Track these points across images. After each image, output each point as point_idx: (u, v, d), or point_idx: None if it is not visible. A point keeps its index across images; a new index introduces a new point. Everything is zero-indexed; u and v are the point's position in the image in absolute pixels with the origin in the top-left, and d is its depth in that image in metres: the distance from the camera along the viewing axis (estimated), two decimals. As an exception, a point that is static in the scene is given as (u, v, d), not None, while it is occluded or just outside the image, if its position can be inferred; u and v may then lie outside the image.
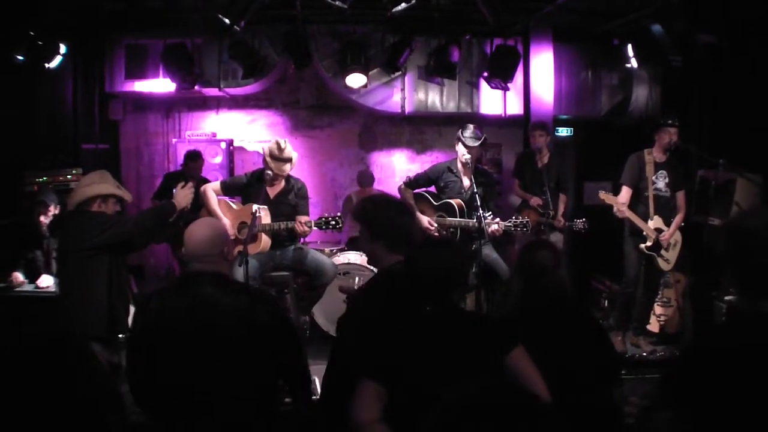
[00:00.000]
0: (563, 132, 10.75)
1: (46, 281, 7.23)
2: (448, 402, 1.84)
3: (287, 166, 7.08)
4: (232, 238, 6.95)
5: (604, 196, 7.61)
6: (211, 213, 7.04)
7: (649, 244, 7.61)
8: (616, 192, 7.77)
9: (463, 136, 7.44)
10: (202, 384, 3.54)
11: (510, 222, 7.11)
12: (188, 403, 3.57)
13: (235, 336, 3.59)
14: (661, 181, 7.68)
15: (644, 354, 7.74)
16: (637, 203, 7.71)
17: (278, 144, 6.98)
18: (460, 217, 7.40)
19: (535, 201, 8.48)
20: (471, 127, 7.54)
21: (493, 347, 3.36)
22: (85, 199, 5.35)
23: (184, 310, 3.63)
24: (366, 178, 10.15)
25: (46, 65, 8.89)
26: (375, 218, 3.94)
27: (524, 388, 2.27)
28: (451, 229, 7.42)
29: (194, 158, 9.45)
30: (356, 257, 8.34)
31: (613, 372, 4.11)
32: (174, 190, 6.15)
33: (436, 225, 7.39)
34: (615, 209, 7.58)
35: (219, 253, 3.77)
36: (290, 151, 7.08)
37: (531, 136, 8.87)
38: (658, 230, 7.63)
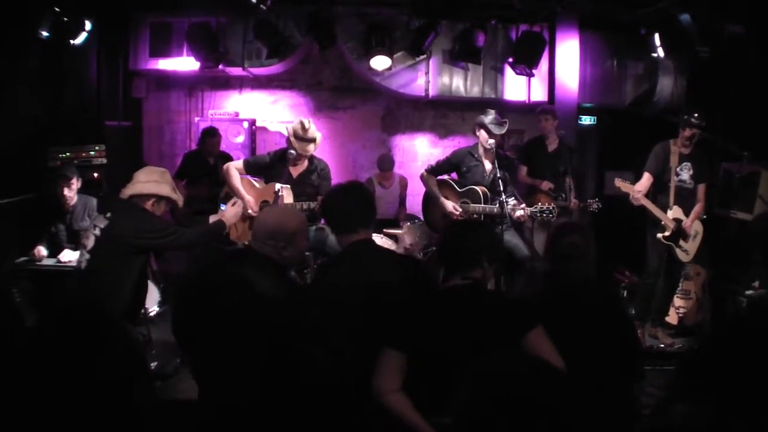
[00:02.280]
0: (587, 120, 10.71)
1: (68, 256, 7.29)
2: (479, 372, 1.84)
3: (311, 147, 7.07)
4: (255, 215, 6.97)
5: (620, 183, 7.57)
6: (233, 191, 7.04)
7: (667, 234, 7.56)
8: (637, 181, 7.72)
9: (488, 124, 7.38)
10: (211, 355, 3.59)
11: (536, 208, 7.09)
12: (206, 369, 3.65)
13: (248, 322, 3.58)
14: (685, 173, 7.61)
15: (662, 346, 7.72)
16: (658, 193, 7.67)
17: (302, 124, 6.98)
18: (483, 203, 7.38)
19: (546, 185, 8.44)
20: (492, 113, 7.49)
21: (512, 326, 3.42)
22: (142, 194, 5.31)
23: (219, 280, 3.68)
24: (386, 162, 10.12)
25: (71, 42, 8.92)
26: (323, 208, 4.19)
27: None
28: (475, 215, 7.40)
29: (212, 134, 9.45)
30: (377, 239, 8.33)
31: (636, 365, 4.09)
32: (222, 207, 6.17)
33: (461, 210, 7.37)
34: (631, 197, 7.53)
35: (272, 246, 3.83)
36: (314, 131, 7.07)
37: (538, 121, 8.81)
38: (678, 220, 7.57)
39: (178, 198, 5.52)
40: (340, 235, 3.98)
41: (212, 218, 6.17)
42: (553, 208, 7.11)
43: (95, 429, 2.01)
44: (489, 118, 7.41)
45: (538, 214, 7.11)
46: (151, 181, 5.34)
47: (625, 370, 3.94)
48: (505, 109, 8.20)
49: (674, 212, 7.58)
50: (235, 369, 3.59)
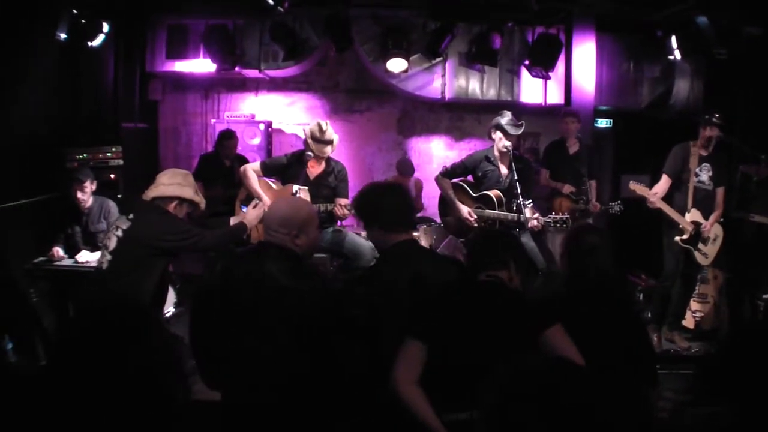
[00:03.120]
0: (602, 123, 10.68)
1: (86, 256, 7.30)
2: (505, 375, 1.84)
3: (328, 149, 7.07)
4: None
5: (634, 186, 7.51)
6: (251, 193, 7.05)
7: (685, 237, 7.52)
8: (654, 184, 7.69)
9: (504, 125, 7.35)
10: (239, 352, 3.63)
11: (549, 218, 7.05)
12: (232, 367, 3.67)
13: (276, 317, 3.62)
14: (704, 174, 7.57)
15: (678, 350, 7.69)
16: (675, 194, 7.61)
17: (320, 126, 6.97)
18: (498, 209, 7.33)
19: (567, 188, 8.42)
20: (509, 114, 7.45)
21: (532, 322, 3.45)
22: (165, 197, 5.31)
23: (239, 280, 3.71)
24: (405, 167, 10.12)
25: (89, 44, 8.95)
26: (363, 206, 4.07)
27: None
28: (489, 221, 7.37)
29: (228, 137, 9.45)
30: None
31: (649, 368, 4.06)
32: (244, 209, 6.16)
33: (475, 216, 7.35)
34: (647, 200, 7.49)
35: (287, 234, 3.81)
36: (331, 133, 7.06)
37: (562, 123, 8.79)
38: (696, 223, 7.52)
39: (201, 200, 5.51)
40: (384, 235, 3.97)
41: (233, 220, 6.18)
42: (567, 218, 7.04)
43: (130, 420, 2.02)
44: (505, 119, 7.36)
45: (552, 224, 7.07)
46: (174, 184, 5.34)
47: (639, 374, 3.93)
48: (521, 111, 8.16)
49: (692, 215, 7.52)
50: (268, 370, 3.61)
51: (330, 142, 7.06)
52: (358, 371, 3.71)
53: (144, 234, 5.15)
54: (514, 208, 7.02)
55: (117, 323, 2.18)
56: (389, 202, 3.99)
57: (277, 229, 3.79)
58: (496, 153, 7.51)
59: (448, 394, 3.34)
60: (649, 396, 3.85)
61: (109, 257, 5.16)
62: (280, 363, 3.58)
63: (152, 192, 5.31)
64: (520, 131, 7.37)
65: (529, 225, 7.06)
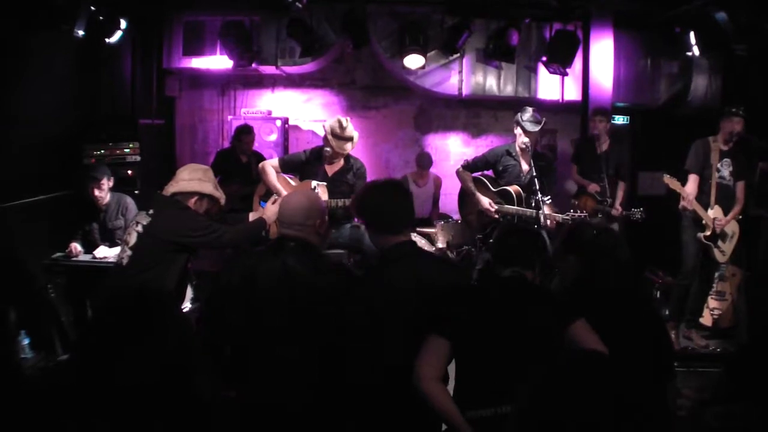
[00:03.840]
0: (619, 120, 10.64)
1: (103, 252, 7.33)
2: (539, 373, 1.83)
3: (348, 145, 7.07)
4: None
5: (668, 180, 7.47)
6: (270, 188, 7.06)
7: (707, 233, 7.49)
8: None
9: (522, 120, 7.37)
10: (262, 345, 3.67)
11: (568, 215, 7.01)
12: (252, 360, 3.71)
13: (303, 311, 3.64)
14: (725, 170, 7.53)
15: (696, 347, 7.66)
16: (698, 191, 7.58)
17: (340, 122, 6.97)
18: (518, 205, 7.33)
19: (593, 188, 8.40)
20: (530, 110, 7.46)
21: (557, 317, 3.45)
22: (186, 192, 5.28)
23: (262, 277, 3.73)
24: (425, 160, 10.11)
25: (107, 40, 8.97)
26: (363, 207, 3.96)
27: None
28: (509, 217, 7.36)
29: (246, 132, 9.48)
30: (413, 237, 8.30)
31: (667, 363, 4.06)
32: (263, 205, 6.16)
33: (496, 207, 7.34)
34: (681, 203, 7.45)
35: (311, 225, 3.85)
36: (351, 130, 7.05)
37: (591, 122, 8.79)
38: (717, 219, 7.50)
39: (221, 196, 5.47)
40: (382, 236, 3.85)
41: (251, 216, 6.17)
42: (584, 215, 7.02)
43: (156, 414, 2.02)
44: (526, 115, 7.39)
45: (570, 221, 7.01)
46: (194, 179, 5.31)
47: (657, 369, 3.91)
48: (539, 108, 8.15)
49: (715, 211, 7.49)
50: (293, 369, 3.61)
51: (350, 139, 7.06)
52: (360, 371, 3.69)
53: (164, 229, 5.12)
54: (533, 204, 6.99)
55: (140, 310, 2.17)
56: (381, 203, 3.86)
57: (303, 222, 3.81)
58: (517, 149, 7.53)
59: (473, 390, 3.34)
60: (668, 389, 3.85)
61: (129, 253, 5.15)
62: (309, 362, 3.59)
63: (172, 187, 5.29)
64: (537, 128, 7.36)
65: (545, 223, 7.00)
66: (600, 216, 8.19)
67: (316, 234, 3.89)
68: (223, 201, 5.57)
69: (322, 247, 4.02)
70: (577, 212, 7.02)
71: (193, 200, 5.28)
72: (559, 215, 7.05)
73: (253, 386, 3.71)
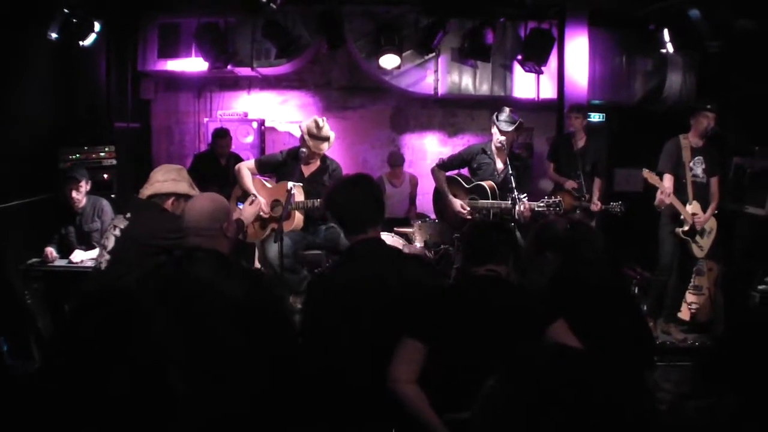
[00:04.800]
0: (595, 117, 10.68)
1: (79, 256, 7.27)
2: (507, 366, 1.82)
3: (325, 145, 7.07)
4: (266, 216, 6.97)
5: (647, 174, 7.52)
6: (245, 191, 7.05)
7: (686, 228, 7.54)
8: (648, 182, 7.71)
9: (498, 120, 7.40)
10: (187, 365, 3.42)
11: (542, 202, 7.03)
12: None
13: (226, 318, 3.48)
14: (698, 167, 7.61)
15: (674, 341, 7.70)
16: (674, 190, 7.63)
17: (317, 122, 6.96)
18: (492, 200, 7.36)
19: (570, 184, 8.42)
20: (507, 110, 7.48)
21: (535, 317, 3.43)
22: (162, 194, 5.21)
23: (178, 289, 3.57)
24: (396, 158, 10.11)
25: (81, 43, 8.91)
26: (329, 206, 3.92)
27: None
28: (483, 212, 7.39)
29: (222, 135, 9.47)
30: (388, 238, 8.31)
31: (648, 353, 4.08)
32: (240, 206, 6.11)
33: (468, 209, 7.36)
34: (657, 199, 7.51)
35: (218, 228, 3.72)
36: (328, 130, 7.06)
37: (567, 118, 8.84)
38: (696, 215, 7.56)
39: (197, 194, 5.45)
40: (349, 235, 3.81)
41: None
42: (559, 200, 7.05)
43: (131, 410, 2.01)
44: (502, 115, 7.41)
45: (546, 209, 7.02)
46: (168, 180, 5.25)
47: (638, 359, 3.93)
48: (514, 107, 8.17)
49: (693, 207, 7.56)
50: (225, 379, 3.50)
51: (327, 139, 7.06)
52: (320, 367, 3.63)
53: (142, 232, 5.06)
54: (505, 204, 7.03)
55: (115, 313, 2.16)
56: (348, 200, 3.77)
57: (209, 226, 3.68)
58: (493, 147, 7.54)
59: (449, 393, 3.30)
60: (647, 379, 3.86)
61: (107, 257, 5.11)
62: (234, 369, 3.49)
63: (148, 190, 5.24)
64: (512, 128, 7.37)
65: (517, 210, 7.01)
66: (578, 212, 8.23)
67: (224, 237, 3.76)
68: None
69: (231, 251, 3.90)
70: (551, 199, 7.04)
71: (170, 201, 5.22)
72: (534, 203, 7.06)
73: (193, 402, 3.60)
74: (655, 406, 3.77)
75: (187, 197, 5.25)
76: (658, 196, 7.51)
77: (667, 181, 7.59)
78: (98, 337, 2.11)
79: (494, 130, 7.45)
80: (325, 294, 3.70)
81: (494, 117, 7.47)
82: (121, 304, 2.25)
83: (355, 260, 3.74)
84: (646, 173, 7.54)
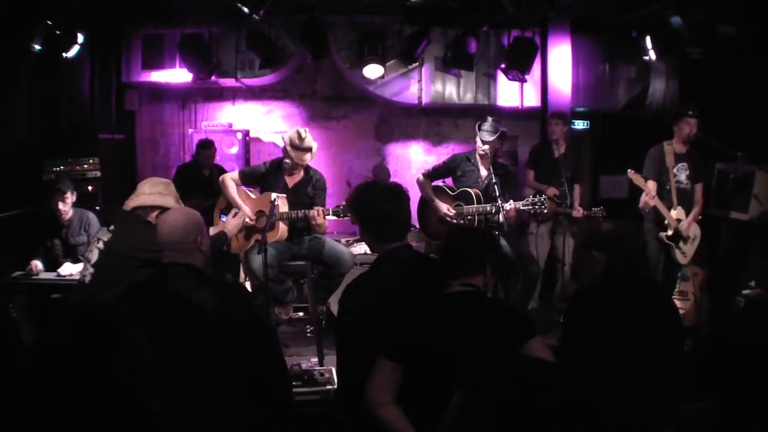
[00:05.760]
0: (579, 125, 10.72)
1: (68, 269, 7.23)
2: (473, 384, 1.81)
3: (307, 156, 7.06)
4: (253, 224, 6.97)
5: (632, 175, 7.55)
6: (230, 202, 7.04)
7: (669, 233, 7.58)
8: (634, 188, 7.75)
9: (480, 129, 7.46)
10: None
11: (528, 201, 7.06)
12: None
13: (205, 335, 3.45)
14: (682, 173, 7.67)
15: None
16: (659, 195, 7.66)
17: (299, 133, 6.95)
18: (477, 205, 7.39)
19: (552, 191, 8.41)
20: (490, 120, 7.54)
21: (513, 335, 3.38)
22: (147, 206, 5.17)
23: (154, 304, 3.51)
24: (381, 171, 10.12)
25: (64, 55, 8.90)
26: (363, 209, 3.90)
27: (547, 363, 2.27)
28: (469, 217, 7.42)
29: (206, 146, 9.41)
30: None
31: (680, 356, 4.09)
32: (223, 218, 6.09)
33: (454, 212, 7.40)
34: (641, 201, 7.55)
35: (193, 242, 3.69)
36: (310, 140, 7.04)
37: (549, 125, 8.84)
38: (680, 221, 7.60)
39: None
40: (383, 242, 3.81)
41: (212, 230, 6.10)
42: (545, 198, 7.09)
43: (107, 426, 2.00)
44: (485, 125, 7.49)
45: (531, 207, 7.06)
46: (155, 193, 5.22)
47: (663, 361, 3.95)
48: (498, 115, 8.19)
49: (677, 213, 7.63)
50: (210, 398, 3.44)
51: (309, 150, 7.05)
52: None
53: (126, 245, 5.02)
54: (493, 210, 7.05)
55: (92, 328, 2.15)
56: (388, 208, 3.78)
57: (183, 239, 3.65)
58: (478, 156, 7.59)
59: (427, 411, 3.20)
60: (665, 382, 3.88)
61: (91, 270, 5.09)
62: (211, 387, 3.42)
63: (133, 202, 5.21)
64: (493, 138, 7.43)
65: (506, 209, 7.00)
66: (560, 219, 8.25)
67: (199, 251, 3.72)
68: None
69: (206, 264, 3.85)
70: (536, 198, 7.09)
71: (154, 215, 5.17)
72: (520, 202, 7.08)
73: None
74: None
75: None
76: (643, 198, 7.56)
77: (651, 186, 7.63)
78: (73, 352, 2.10)
79: (477, 138, 7.49)
80: (360, 299, 3.72)
81: (477, 126, 7.53)
82: (99, 319, 2.24)
83: (393, 265, 3.74)
84: (631, 174, 7.57)
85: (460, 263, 3.58)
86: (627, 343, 3.76)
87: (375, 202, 3.82)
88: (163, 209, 5.11)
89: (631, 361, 3.72)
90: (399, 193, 3.92)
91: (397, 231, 3.80)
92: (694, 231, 7.75)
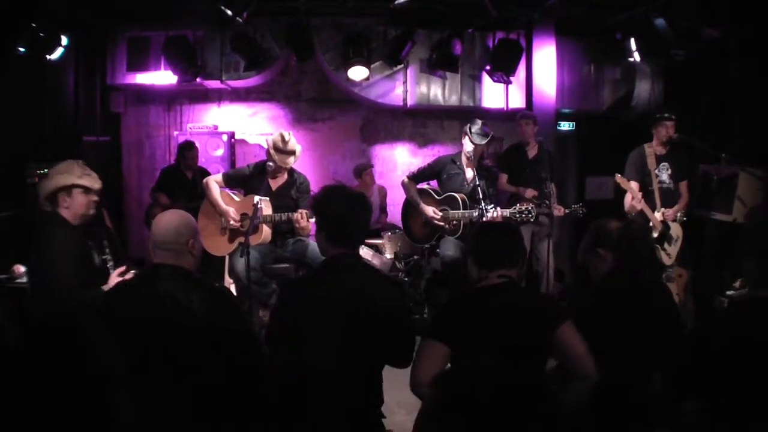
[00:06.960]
0: (565, 126, 10.74)
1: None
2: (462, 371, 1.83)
3: (291, 159, 7.06)
4: (237, 226, 6.97)
5: (620, 179, 7.63)
6: (213, 204, 7.04)
7: (655, 235, 7.61)
8: (619, 190, 7.79)
9: (471, 132, 7.45)
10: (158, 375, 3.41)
11: (515, 209, 7.09)
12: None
13: (191, 336, 3.45)
14: (664, 173, 7.72)
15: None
16: (643, 198, 7.70)
17: (282, 136, 6.96)
18: (462, 210, 7.39)
19: (530, 192, 8.32)
20: (479, 122, 7.54)
21: (546, 321, 3.54)
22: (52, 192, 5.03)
23: (141, 306, 3.50)
24: (359, 167, 10.16)
25: (48, 57, 8.86)
26: (320, 208, 3.87)
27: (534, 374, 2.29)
28: (454, 222, 7.43)
29: (189, 148, 9.42)
30: (359, 249, 8.29)
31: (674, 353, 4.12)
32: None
33: (440, 214, 7.41)
34: (627, 204, 7.60)
35: (184, 244, 3.68)
36: (294, 143, 7.05)
37: (518, 125, 8.74)
38: (665, 223, 7.64)
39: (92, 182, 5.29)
40: (332, 245, 3.75)
41: None
42: (532, 207, 7.12)
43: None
44: (475, 128, 7.49)
45: (517, 215, 7.08)
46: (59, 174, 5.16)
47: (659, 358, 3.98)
48: (484, 117, 8.19)
49: (661, 214, 7.68)
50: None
51: (292, 153, 7.05)
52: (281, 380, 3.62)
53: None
54: (477, 213, 7.06)
55: (70, 329, 2.15)
56: (344, 213, 3.74)
57: (175, 240, 3.64)
58: (463, 158, 7.61)
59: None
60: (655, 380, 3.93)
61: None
62: (195, 389, 3.41)
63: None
64: (483, 141, 7.45)
65: (492, 216, 7.08)
66: (540, 219, 8.25)
67: (190, 254, 3.72)
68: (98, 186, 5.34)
69: (196, 268, 3.83)
70: (524, 206, 7.11)
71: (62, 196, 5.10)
72: (507, 210, 7.11)
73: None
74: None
75: (85, 189, 5.09)
76: (629, 201, 7.59)
77: (635, 188, 7.67)
78: (47, 355, 2.10)
79: (465, 140, 7.50)
80: (301, 299, 3.67)
81: (467, 128, 7.52)
82: (77, 323, 2.24)
83: (335, 270, 3.72)
84: (618, 178, 7.63)
85: (500, 256, 3.73)
86: (629, 343, 3.87)
87: (333, 204, 3.80)
88: (67, 188, 5.00)
89: (631, 362, 3.85)
90: (359, 200, 3.89)
91: (348, 238, 3.77)
92: (677, 231, 7.78)
